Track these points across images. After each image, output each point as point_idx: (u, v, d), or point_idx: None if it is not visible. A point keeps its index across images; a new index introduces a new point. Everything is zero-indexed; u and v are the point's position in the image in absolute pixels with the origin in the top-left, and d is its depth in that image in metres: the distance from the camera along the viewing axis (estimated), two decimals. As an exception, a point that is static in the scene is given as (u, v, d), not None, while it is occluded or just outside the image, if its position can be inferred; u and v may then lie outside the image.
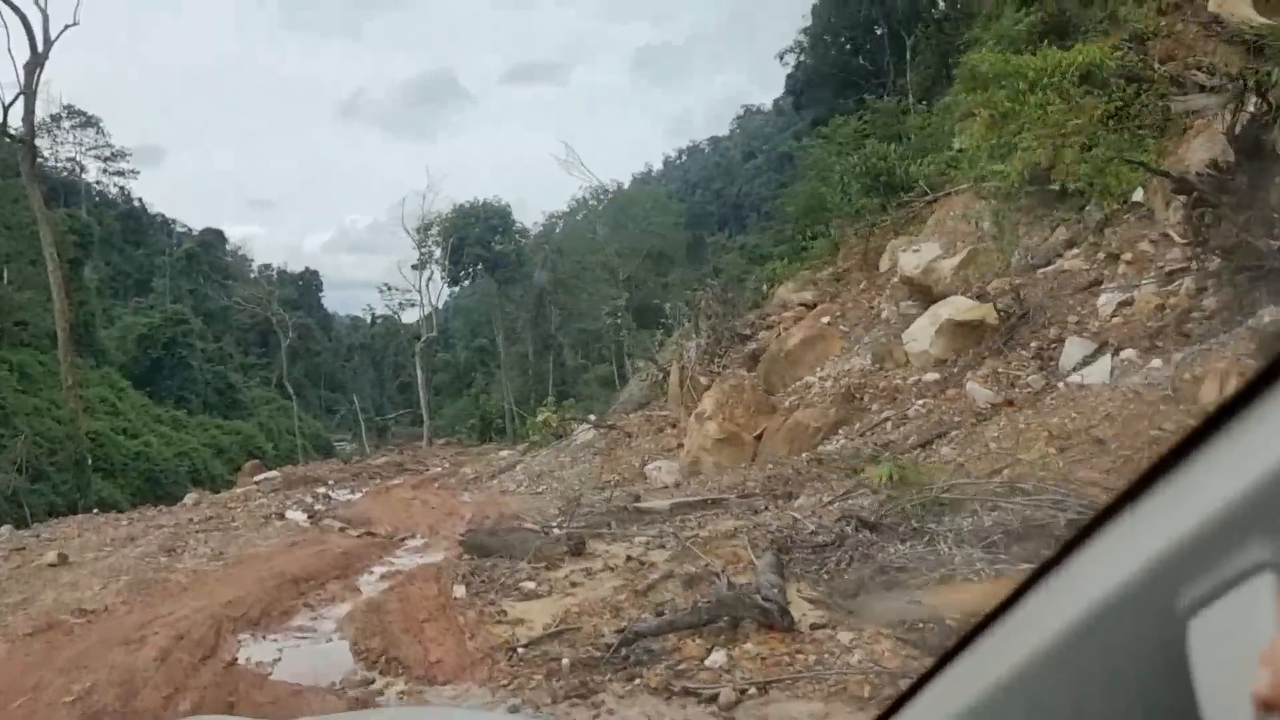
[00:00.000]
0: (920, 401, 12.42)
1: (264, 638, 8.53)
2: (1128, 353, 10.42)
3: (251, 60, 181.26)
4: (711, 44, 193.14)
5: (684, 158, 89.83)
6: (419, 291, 48.52)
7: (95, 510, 23.20)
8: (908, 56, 38.71)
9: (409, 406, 65.30)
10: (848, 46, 45.06)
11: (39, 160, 59.94)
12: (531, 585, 8.31)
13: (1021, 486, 7.70)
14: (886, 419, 12.85)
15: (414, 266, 48.79)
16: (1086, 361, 11.31)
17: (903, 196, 24.26)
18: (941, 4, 44.92)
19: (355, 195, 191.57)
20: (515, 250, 47.81)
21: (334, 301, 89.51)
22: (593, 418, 21.73)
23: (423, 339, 46.72)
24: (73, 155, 63.58)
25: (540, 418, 24.01)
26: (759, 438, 15.42)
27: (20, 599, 10.71)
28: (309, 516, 18.51)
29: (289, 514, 18.97)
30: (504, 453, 24.93)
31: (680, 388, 20.72)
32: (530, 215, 54.35)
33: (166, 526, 17.17)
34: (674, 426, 19.56)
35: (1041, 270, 14.31)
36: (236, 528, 16.44)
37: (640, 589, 7.52)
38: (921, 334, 14.32)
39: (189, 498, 25.15)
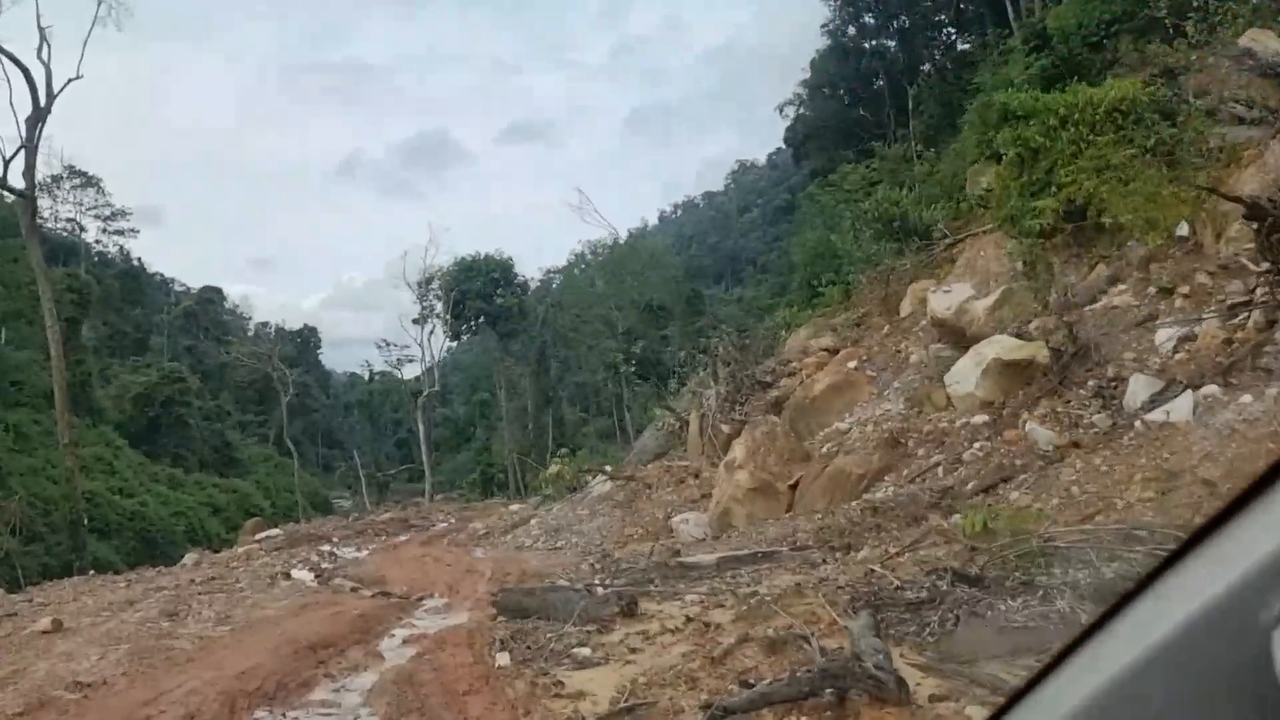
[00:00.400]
0: (975, 445, 11.54)
1: (283, 715, 7.52)
2: (1210, 389, 9.58)
3: (250, 123, 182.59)
4: (703, 105, 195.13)
5: (679, 213, 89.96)
6: (420, 346, 47.80)
7: (91, 572, 22.03)
8: (910, 106, 38.41)
9: (407, 462, 64.14)
10: (847, 98, 44.88)
11: (39, 219, 59.48)
12: (586, 652, 7.33)
13: (1137, 533, 6.82)
14: (937, 464, 11.96)
15: (415, 321, 48.15)
16: (1155, 400, 10.47)
17: (918, 240, 23.65)
18: (939, 56, 44.98)
19: (352, 254, 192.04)
20: (517, 303, 47.08)
21: (331, 359, 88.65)
22: (608, 469, 20.77)
23: (424, 393, 45.71)
24: (72, 215, 63.01)
25: (552, 470, 23.04)
26: (794, 487, 14.51)
27: (10, 671, 9.66)
28: (316, 576, 17.46)
29: (295, 573, 17.91)
30: (514, 507, 23.89)
31: (701, 436, 19.84)
32: (527, 271, 53.77)
33: (167, 589, 16.09)
34: (696, 477, 18.62)
35: (1088, 308, 13.52)
36: (241, 589, 15.38)
37: (715, 655, 6.57)
38: (965, 375, 13.48)
39: (189, 557, 24.00)
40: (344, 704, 7.83)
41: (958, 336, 16.20)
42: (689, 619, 7.85)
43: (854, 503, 11.76)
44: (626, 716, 5.89)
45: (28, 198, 26.58)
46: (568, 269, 63.07)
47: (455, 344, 56.54)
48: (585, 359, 60.51)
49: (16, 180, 26.37)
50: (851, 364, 18.54)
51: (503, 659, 7.66)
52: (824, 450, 14.70)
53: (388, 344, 62.57)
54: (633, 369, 55.69)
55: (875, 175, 31.88)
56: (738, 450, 15.47)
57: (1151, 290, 12.99)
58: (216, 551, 27.35)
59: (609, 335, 58.74)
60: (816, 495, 13.50)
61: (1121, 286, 13.65)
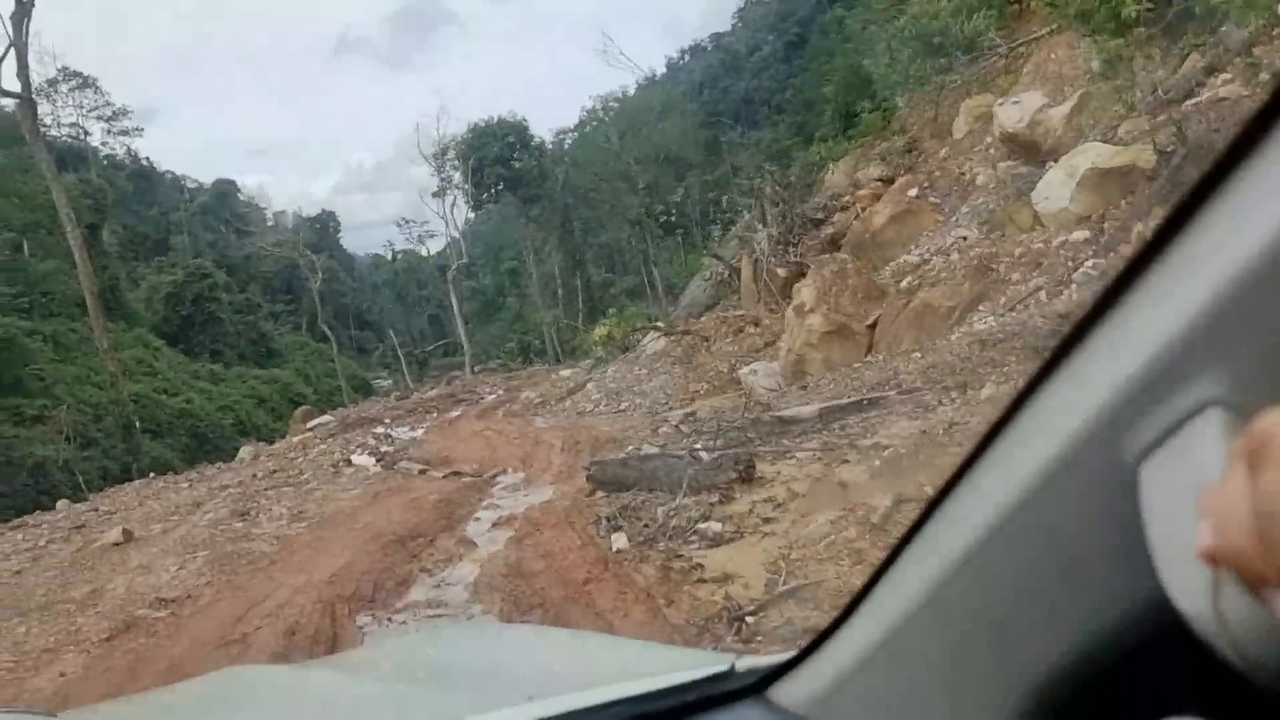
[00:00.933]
0: (1090, 263, 10.41)
1: (389, 620, 6.81)
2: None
3: (236, 7, 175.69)
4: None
5: (686, 58, 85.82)
6: (443, 218, 46.17)
7: (151, 475, 21.61)
8: (933, -87, 35.50)
9: (440, 338, 63.61)
10: (862, -87, 41.66)
11: (43, 128, 57.75)
12: (715, 526, 6.50)
13: None
14: (1038, 288, 10.89)
15: (434, 194, 46.46)
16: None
17: (963, 55, 21.89)
18: None
19: (357, 135, 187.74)
20: (536, 165, 45.26)
21: (349, 243, 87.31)
22: (660, 325, 19.83)
23: (454, 266, 44.54)
24: (75, 120, 61.03)
25: (600, 331, 22.14)
26: (872, 327, 13.51)
27: (88, 590, 9.05)
28: (378, 460, 16.86)
29: (355, 459, 17.33)
30: (564, 372, 23.11)
31: (755, 282, 18.81)
32: (539, 133, 51.58)
33: (231, 486, 15.54)
34: (756, 325, 17.66)
35: (1186, 104, 12.13)
36: (307, 480, 14.78)
37: (874, 521, 5.70)
38: (1056, 190, 12.24)
39: (244, 451, 23.61)
40: (450, 601, 7.11)
41: (1031, 151, 14.88)
42: (815, 479, 6.99)
43: (952, 337, 10.76)
44: (791, 600, 5.06)
45: (26, 99, 25.16)
46: (581, 126, 60.80)
47: (476, 214, 54.92)
48: (608, 218, 58.99)
49: (11, 84, 24.94)
50: (911, 192, 17.27)
51: (619, 540, 6.87)
52: (903, 284, 13.62)
53: (407, 222, 61.25)
54: (661, 221, 54.13)
55: (905, -8, 29.61)
56: (805, 293, 14.42)
57: (1264, 76, 11.55)
58: (270, 443, 26.99)
59: (629, 191, 57.04)
60: (901, 333, 12.51)
61: (1225, 76, 12.21)
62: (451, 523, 9.78)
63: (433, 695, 1.80)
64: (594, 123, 61.40)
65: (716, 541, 6.32)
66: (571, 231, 48.42)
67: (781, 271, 18.16)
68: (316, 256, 51.44)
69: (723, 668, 1.28)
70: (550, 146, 52.21)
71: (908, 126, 23.84)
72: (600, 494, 8.69)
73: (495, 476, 12.57)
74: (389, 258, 74.20)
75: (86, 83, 58.98)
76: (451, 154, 43.81)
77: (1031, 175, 14.32)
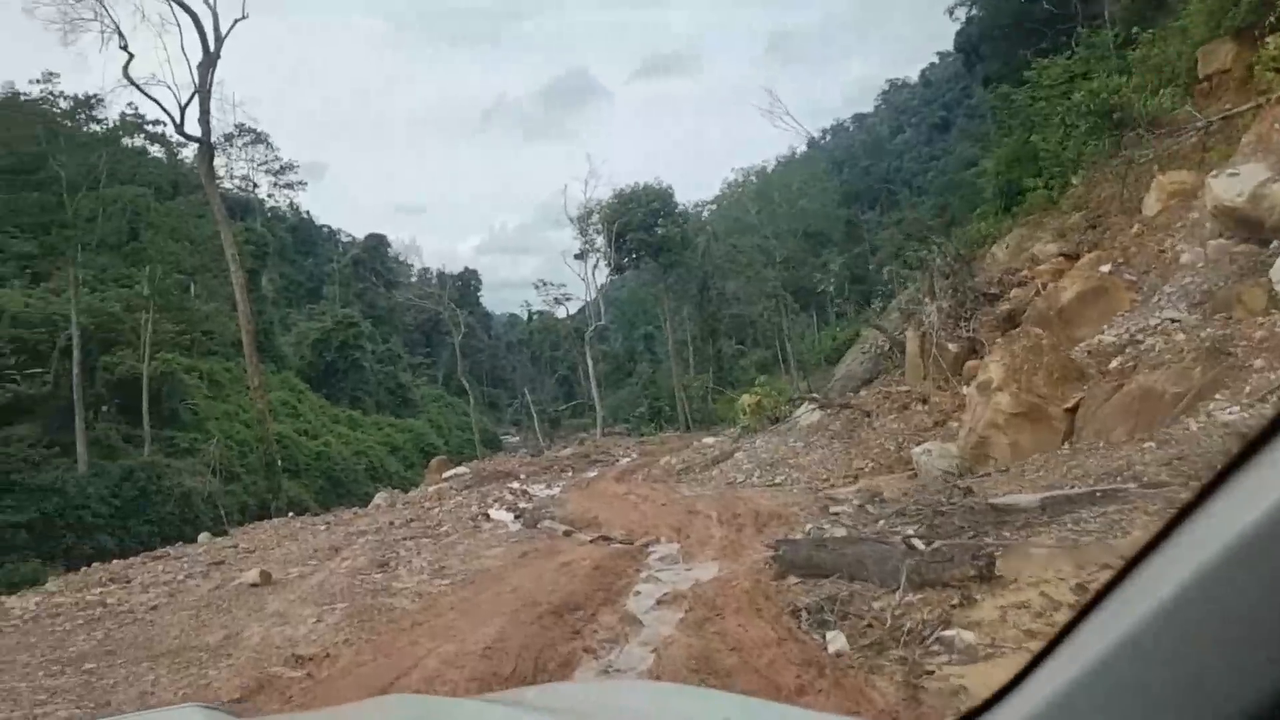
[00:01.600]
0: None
1: (557, 711, 5.68)
2: None
3: (397, 74, 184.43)
4: (845, 26, 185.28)
5: (828, 138, 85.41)
6: (583, 280, 46.07)
7: (290, 514, 21.31)
8: (1100, -9, 33.93)
9: (569, 399, 63.40)
10: (1026, -7, 40.32)
11: (217, 178, 60.50)
12: (967, 637, 5.17)
13: None
14: (1292, 377, 9.26)
15: (576, 256, 46.49)
16: None
17: (1143, 132, 20.25)
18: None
19: (502, 198, 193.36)
20: (679, 233, 44.79)
21: (488, 301, 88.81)
22: (816, 397, 18.53)
23: (592, 327, 44.16)
24: (245, 173, 64.06)
25: (746, 399, 20.96)
26: (1072, 410, 11.95)
27: (222, 636, 8.26)
28: (516, 516, 15.99)
29: (494, 513, 16.52)
30: (707, 440, 21.97)
31: (922, 357, 17.36)
32: (680, 202, 51.49)
33: (368, 533, 14.85)
34: (924, 402, 16.19)
35: None
36: (446, 533, 13.97)
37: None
38: (1301, 268, 10.60)
39: (380, 497, 23.14)
40: (623, 693, 5.95)
41: (1254, 227, 13.18)
42: (1080, 586, 5.60)
43: (1192, 427, 9.18)
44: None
45: (204, 144, 25.93)
46: (721, 199, 60.45)
47: (613, 280, 54.77)
48: (743, 290, 58.17)
49: (193, 129, 25.75)
50: (1103, 268, 15.65)
51: (836, 641, 5.61)
52: (1112, 366, 12.03)
53: (545, 284, 61.66)
54: (783, 300, 52.70)
55: (1078, 67, 28.08)
56: (993, 369, 12.96)
57: None
58: (404, 491, 26.58)
59: (767, 264, 56.14)
60: (1111, 420, 10.94)
61: None
62: (610, 595, 8.66)
63: None
64: (734, 195, 61.03)
65: (971, 656, 5.00)
66: (709, 300, 47.55)
67: (953, 347, 16.70)
68: (459, 311, 51.94)
69: None
70: (689, 217, 51.91)
71: (1085, 203, 22.18)
72: (789, 579, 7.45)
73: (648, 546, 11.43)
74: (525, 318, 74.92)
75: (259, 138, 62.04)
76: (595, 218, 43.80)
77: (1254, 254, 12.65)
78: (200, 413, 49.36)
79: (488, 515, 16.30)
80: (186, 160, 53.93)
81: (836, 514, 11.06)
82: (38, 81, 38.25)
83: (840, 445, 15.93)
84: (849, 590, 6.56)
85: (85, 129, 43.45)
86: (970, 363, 16.65)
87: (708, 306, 47.38)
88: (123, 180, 44.80)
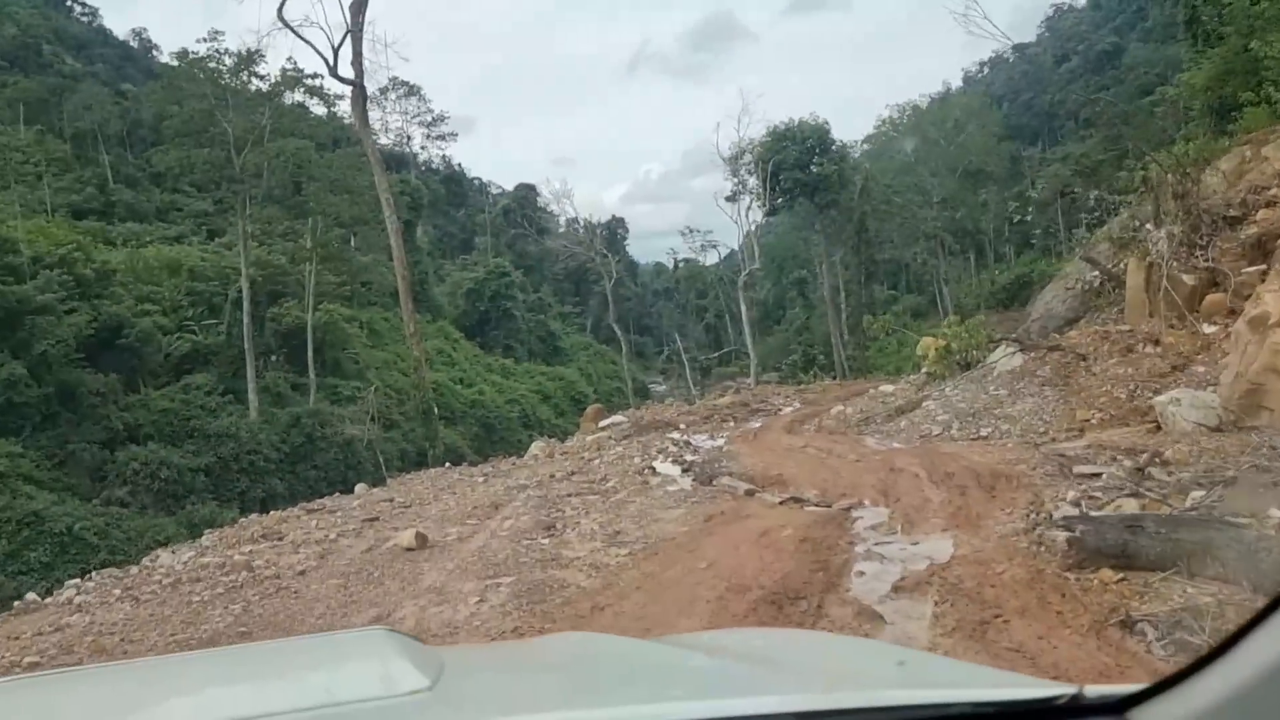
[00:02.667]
0: None
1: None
2: None
3: (543, 25, 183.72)
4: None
5: (986, 70, 79.51)
6: (735, 222, 43.64)
7: (446, 465, 20.35)
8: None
9: (716, 346, 61.55)
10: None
11: (373, 134, 60.66)
12: None
13: None
14: None
15: (727, 198, 44.04)
16: None
17: None
18: None
19: (647, 147, 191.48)
20: (836, 171, 41.88)
21: (633, 250, 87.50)
22: (1016, 338, 16.09)
23: (746, 271, 41.92)
24: (400, 125, 64.21)
25: (935, 342, 18.64)
26: (1387, 351, 9.38)
27: (371, 617, 6.91)
28: (684, 470, 14.36)
29: (659, 466, 14.91)
30: (885, 387, 19.77)
31: (1147, 291, 14.72)
32: (837, 138, 48.13)
33: (529, 487, 13.49)
34: (1156, 344, 13.63)
35: None
36: (613, 489, 12.44)
37: None
38: None
39: (536, 447, 21.93)
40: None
41: None
42: None
43: None
44: None
45: (358, 86, 25.05)
46: (875, 138, 56.83)
47: (767, 221, 52.20)
48: (897, 232, 54.72)
49: (346, 72, 24.85)
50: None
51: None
52: None
53: (691, 231, 59.73)
54: (944, 241, 48.63)
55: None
56: (1271, 301, 10.42)
57: None
58: (560, 440, 25.40)
59: (924, 204, 52.56)
60: None
61: None
62: (830, 577, 6.88)
63: (777, 674, 1.79)
64: (888, 134, 57.34)
65: None
66: (867, 242, 44.58)
67: (1188, 279, 14.01)
68: (610, 257, 50.61)
69: (1069, 691, 1.23)
70: (847, 154, 48.67)
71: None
72: (1089, 570, 5.47)
73: (850, 510, 9.57)
74: (670, 266, 73.25)
75: (412, 91, 61.99)
76: (748, 157, 41.34)
77: None
78: (360, 361, 50.01)
79: (654, 469, 14.72)
80: (343, 116, 54.27)
81: (1087, 476, 8.93)
82: (204, 40, 38.48)
83: (1054, 393, 13.57)
84: (1211, 595, 4.55)
85: (249, 86, 43.80)
86: (1211, 296, 13.97)
87: (864, 250, 44.42)
88: (285, 135, 45.15)
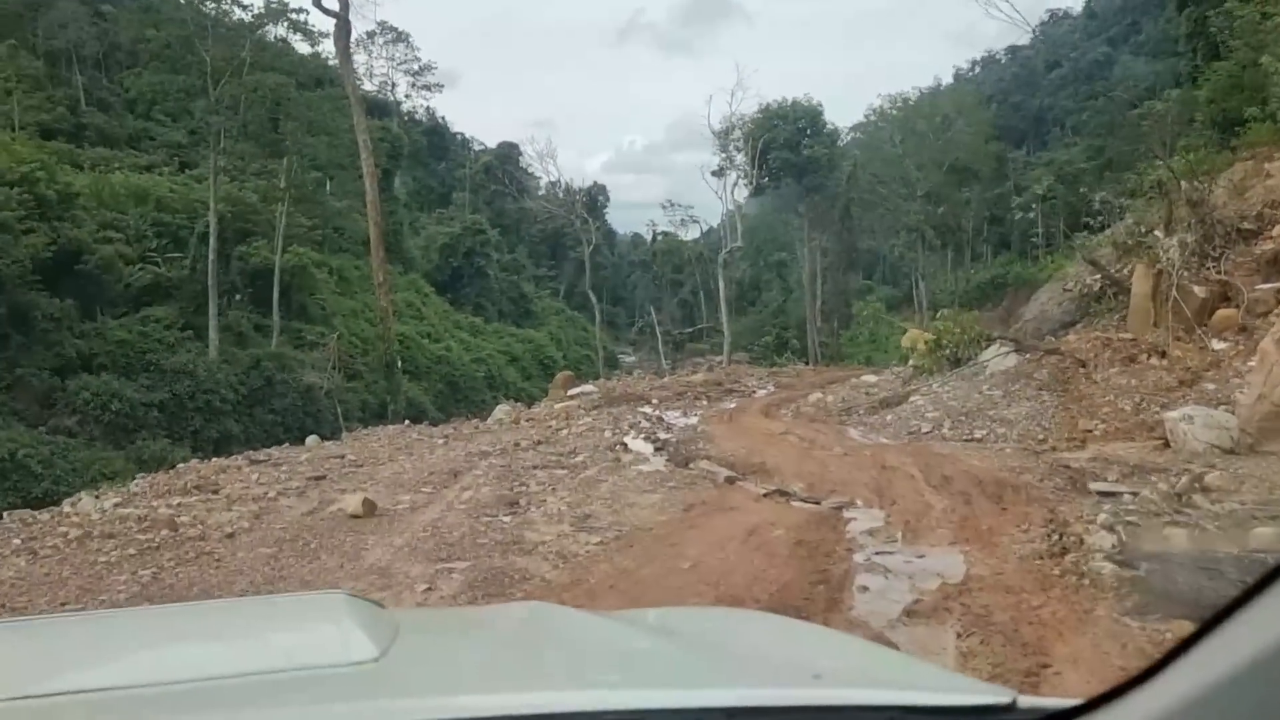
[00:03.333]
0: None
1: None
2: None
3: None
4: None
5: (978, 69, 78.73)
6: (720, 197, 42.28)
7: (406, 422, 19.28)
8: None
9: (689, 322, 60.56)
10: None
11: (357, 80, 58.69)
12: None
13: None
14: None
15: (714, 173, 42.72)
16: None
17: None
18: None
19: (632, 117, 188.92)
20: (826, 155, 40.73)
21: (612, 220, 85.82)
22: (1013, 338, 15.24)
23: (726, 248, 40.76)
24: (385, 71, 62.14)
25: (916, 334, 17.80)
26: None
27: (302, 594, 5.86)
28: (657, 449, 13.45)
29: (631, 443, 14.02)
30: (868, 378, 18.89)
31: (1154, 300, 13.90)
32: (830, 121, 46.83)
33: (491, 454, 12.48)
34: (1161, 356, 12.84)
35: None
36: (583, 464, 11.45)
37: None
38: None
39: (501, 410, 20.88)
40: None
41: None
42: None
43: None
44: None
45: (341, 19, 23.54)
46: (863, 125, 55.78)
47: (753, 199, 50.86)
48: (878, 223, 53.91)
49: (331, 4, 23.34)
50: None
51: None
52: None
53: (672, 204, 58.47)
54: (925, 235, 47.60)
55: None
56: (1304, 319, 9.62)
57: None
58: (527, 405, 24.37)
59: (908, 197, 51.74)
60: None
61: None
62: (831, 591, 5.95)
63: (719, 662, 1.82)
64: (877, 125, 56.35)
65: None
66: (850, 229, 43.61)
67: (1199, 291, 13.21)
68: (589, 221, 49.23)
69: (1003, 699, 1.23)
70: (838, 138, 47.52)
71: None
72: (1153, 617, 4.56)
73: (841, 509, 8.67)
74: (649, 238, 71.91)
75: (399, 37, 59.98)
76: (738, 133, 40.05)
77: None
78: (327, 308, 48.45)
79: (625, 445, 13.80)
80: (327, 55, 52.41)
81: (1107, 495, 8.07)
82: (182, -36, 36.57)
83: (1052, 399, 12.74)
84: None
85: (231, 15, 41.96)
86: (1222, 311, 13.21)
87: (846, 237, 43.46)
88: (265, 70, 43.26)
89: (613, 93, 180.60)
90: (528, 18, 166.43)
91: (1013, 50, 75.25)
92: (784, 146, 39.33)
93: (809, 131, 40.34)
